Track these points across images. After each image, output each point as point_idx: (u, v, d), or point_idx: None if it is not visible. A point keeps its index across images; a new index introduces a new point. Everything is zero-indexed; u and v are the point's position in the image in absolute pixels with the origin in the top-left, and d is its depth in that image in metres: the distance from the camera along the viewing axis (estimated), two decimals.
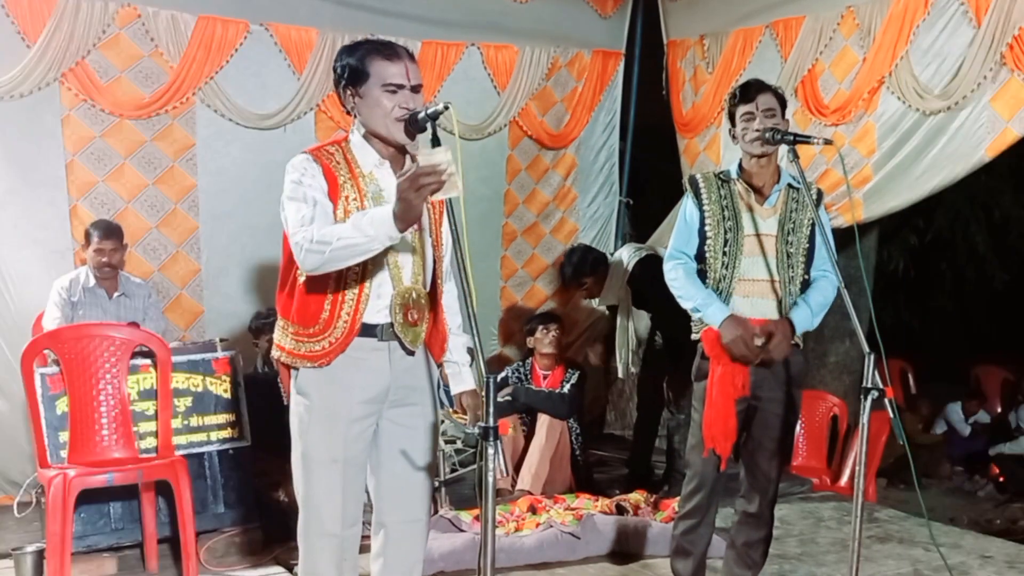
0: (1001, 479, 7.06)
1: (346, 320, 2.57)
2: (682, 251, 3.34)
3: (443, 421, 2.92)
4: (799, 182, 3.27)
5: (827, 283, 3.33)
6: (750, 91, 3.28)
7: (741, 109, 3.27)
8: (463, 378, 2.85)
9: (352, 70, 2.56)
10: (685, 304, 3.32)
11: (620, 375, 5.81)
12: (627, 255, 5.45)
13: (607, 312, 6.29)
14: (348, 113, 2.66)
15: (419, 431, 2.72)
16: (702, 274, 3.32)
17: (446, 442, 4.64)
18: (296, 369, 2.64)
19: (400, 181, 2.33)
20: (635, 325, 5.70)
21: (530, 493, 4.94)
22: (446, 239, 2.76)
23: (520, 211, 6.53)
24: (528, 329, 5.56)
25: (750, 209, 3.30)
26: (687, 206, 3.37)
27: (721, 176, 3.36)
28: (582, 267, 5.57)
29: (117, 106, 5.15)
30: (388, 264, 2.59)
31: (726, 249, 3.27)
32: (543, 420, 5.15)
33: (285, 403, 2.72)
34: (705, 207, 3.31)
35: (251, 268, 5.59)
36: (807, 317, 3.27)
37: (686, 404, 5.15)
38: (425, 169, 2.27)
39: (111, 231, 4.72)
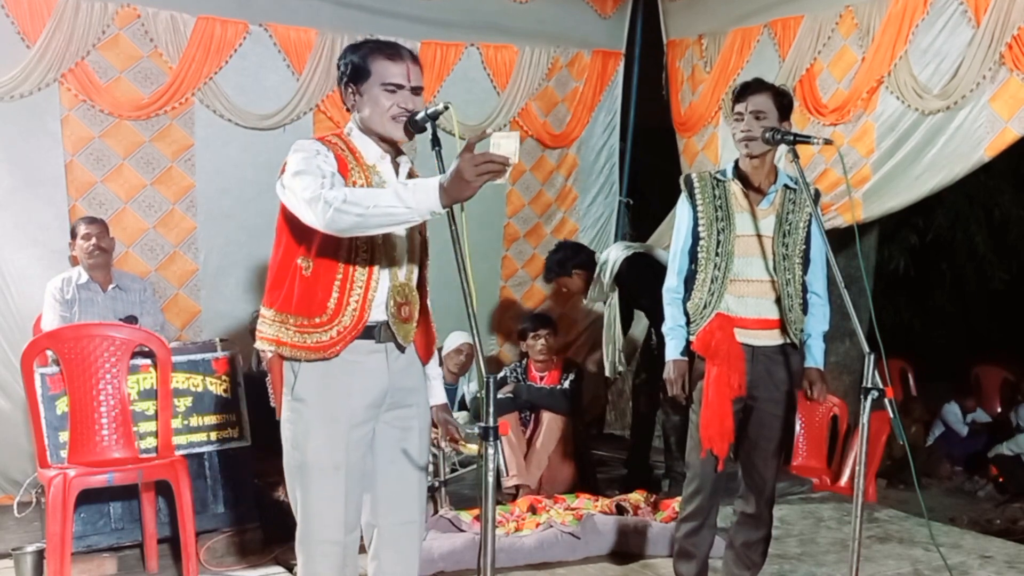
0: (1000, 479, 7.06)
1: (355, 308, 2.55)
2: (678, 277, 3.36)
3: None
4: (796, 183, 3.27)
5: (823, 311, 3.41)
6: (743, 91, 3.28)
7: (734, 108, 3.28)
8: (434, 392, 2.87)
9: (355, 67, 2.58)
10: (663, 327, 3.44)
11: (607, 374, 5.77)
12: (614, 254, 5.41)
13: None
14: (348, 111, 2.67)
15: (414, 432, 2.72)
16: (694, 275, 3.32)
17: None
18: (297, 363, 2.59)
19: (463, 159, 2.22)
20: (621, 325, 5.64)
21: (527, 486, 4.97)
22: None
23: (525, 212, 6.53)
24: (520, 332, 5.57)
25: (744, 209, 3.30)
26: (682, 206, 3.38)
27: (717, 176, 3.36)
28: (567, 261, 5.49)
29: (116, 107, 5.15)
30: (386, 258, 2.60)
31: (719, 250, 3.27)
32: (545, 418, 5.16)
33: (271, 404, 2.69)
34: (699, 207, 3.31)
35: (248, 268, 5.59)
36: (823, 351, 3.40)
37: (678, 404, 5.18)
38: (495, 156, 2.21)
39: (94, 219, 4.84)
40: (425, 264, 2.74)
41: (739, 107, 3.26)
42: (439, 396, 2.89)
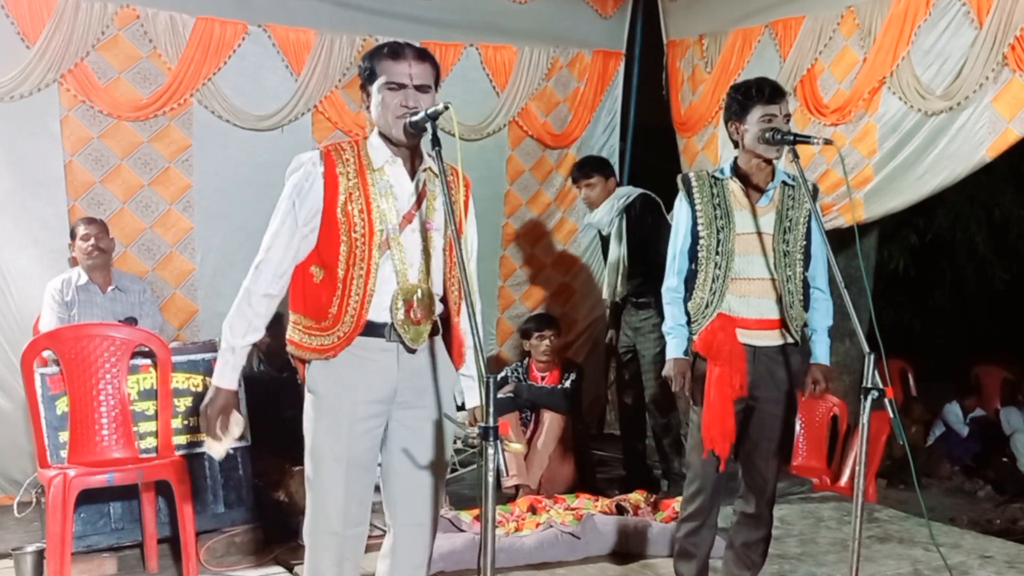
0: (996, 480, 7.06)
1: (352, 315, 2.59)
2: (678, 277, 3.35)
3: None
4: (793, 179, 3.27)
5: (826, 306, 3.40)
6: (775, 94, 3.22)
7: (763, 110, 3.20)
8: (476, 394, 2.85)
9: (366, 71, 2.63)
10: (664, 326, 3.43)
11: (604, 296, 5.73)
12: (634, 190, 5.41)
13: (607, 313, 6.26)
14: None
15: (427, 433, 2.72)
16: (694, 274, 3.31)
17: None
18: (308, 363, 2.67)
19: (210, 404, 2.68)
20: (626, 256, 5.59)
21: (527, 486, 4.97)
22: (469, 244, 2.75)
23: (522, 212, 6.52)
24: (523, 331, 5.55)
25: (744, 207, 3.29)
26: (680, 206, 3.37)
27: (714, 175, 3.35)
28: (605, 164, 5.54)
29: (115, 107, 5.15)
30: (394, 261, 2.61)
31: (719, 249, 3.26)
32: (545, 418, 5.16)
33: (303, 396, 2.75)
34: (697, 206, 3.30)
35: (246, 268, 5.47)
36: (827, 346, 3.39)
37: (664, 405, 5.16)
38: (213, 422, 2.66)
39: (93, 219, 4.85)
40: (451, 267, 2.73)
41: (772, 109, 3.19)
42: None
